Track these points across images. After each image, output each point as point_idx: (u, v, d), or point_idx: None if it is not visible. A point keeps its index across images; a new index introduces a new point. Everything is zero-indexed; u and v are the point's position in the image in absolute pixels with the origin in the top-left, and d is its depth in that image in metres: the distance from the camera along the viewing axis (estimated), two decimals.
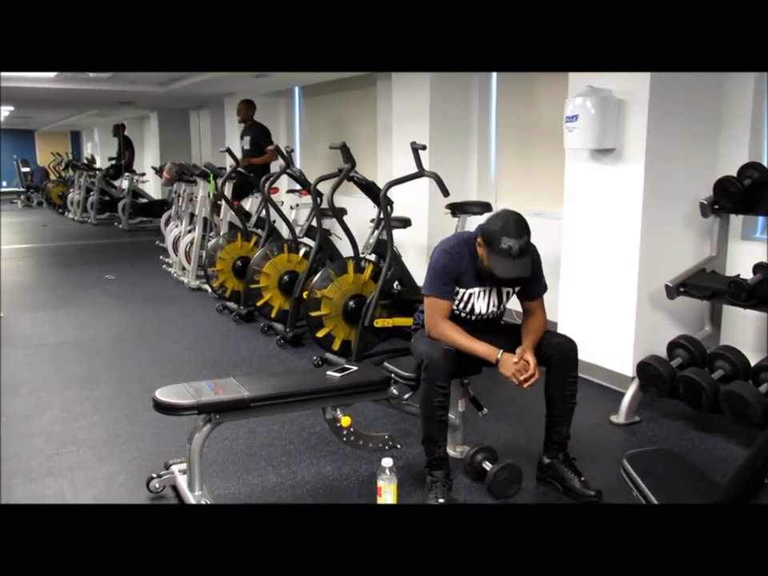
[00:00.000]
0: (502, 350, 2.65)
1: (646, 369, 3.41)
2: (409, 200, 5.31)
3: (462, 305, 2.81)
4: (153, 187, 13.66)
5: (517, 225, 2.61)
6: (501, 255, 2.59)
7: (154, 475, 2.81)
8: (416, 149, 4.01)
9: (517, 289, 2.86)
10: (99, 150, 17.79)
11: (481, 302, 2.81)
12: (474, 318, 2.85)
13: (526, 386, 2.60)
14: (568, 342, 2.78)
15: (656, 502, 1.88)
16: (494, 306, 2.84)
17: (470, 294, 2.79)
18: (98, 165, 14.90)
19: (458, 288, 2.77)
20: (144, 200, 12.49)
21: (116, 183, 13.07)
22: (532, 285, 2.84)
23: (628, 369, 3.85)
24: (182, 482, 2.72)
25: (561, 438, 2.82)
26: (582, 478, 2.77)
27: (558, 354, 2.73)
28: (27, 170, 20.04)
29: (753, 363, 3.22)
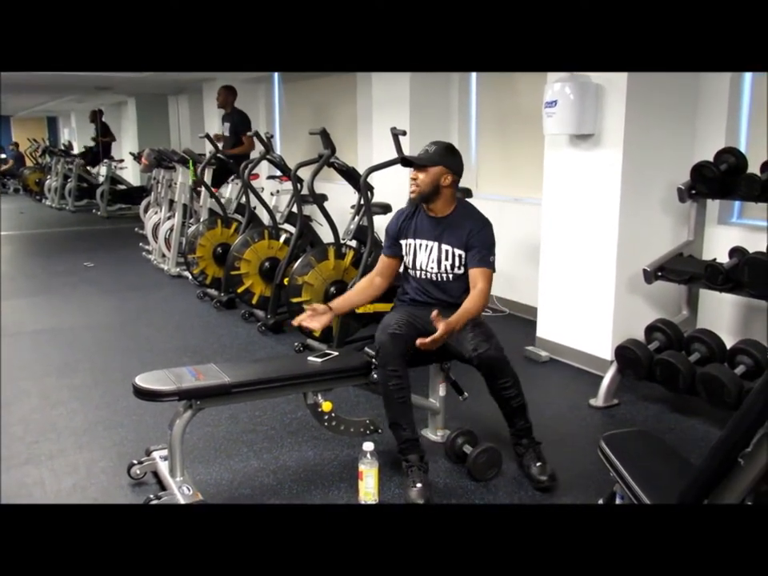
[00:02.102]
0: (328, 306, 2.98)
1: (624, 352, 3.45)
2: (389, 186, 5.30)
3: (408, 258, 3.00)
4: (131, 174, 13.53)
5: (430, 143, 2.94)
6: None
7: (135, 461, 2.81)
8: (396, 134, 4.01)
9: (458, 252, 2.88)
10: (76, 136, 17.56)
11: (422, 255, 2.95)
12: (417, 274, 2.98)
13: (419, 343, 2.57)
14: (490, 350, 2.67)
15: (632, 482, 1.91)
16: (432, 263, 2.93)
17: (410, 245, 2.98)
18: (75, 151, 14.72)
19: (401, 241, 3.01)
20: (123, 187, 12.37)
21: (94, 170, 12.93)
22: (475, 251, 2.86)
23: (606, 352, 3.90)
24: (163, 467, 2.72)
25: (517, 431, 2.84)
26: (538, 464, 2.77)
27: (481, 365, 2.69)
28: (3, 156, 19.74)
29: (728, 346, 3.27)
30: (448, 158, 2.90)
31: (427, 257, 2.93)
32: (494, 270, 2.89)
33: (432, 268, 2.93)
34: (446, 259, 2.91)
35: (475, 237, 2.87)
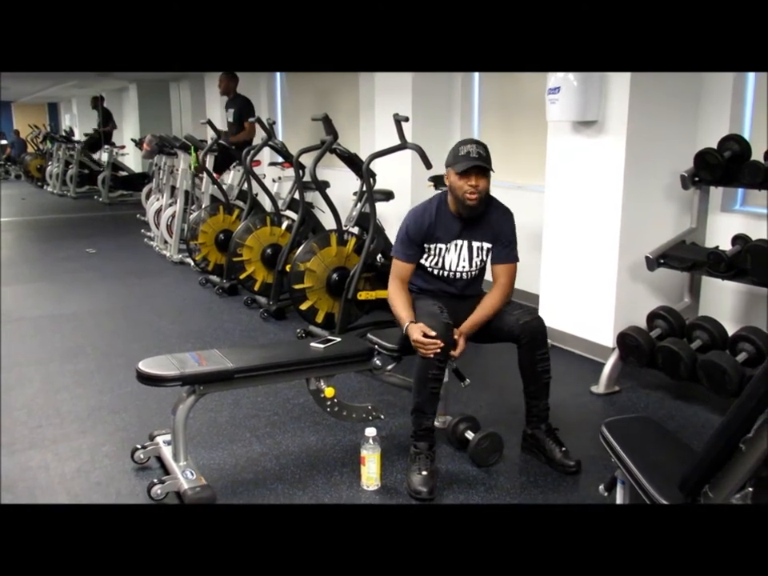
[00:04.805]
0: (412, 321, 2.72)
1: (626, 339, 3.45)
2: (391, 172, 5.30)
3: (434, 260, 2.92)
4: (132, 160, 13.50)
5: (471, 139, 2.87)
6: (461, 159, 2.75)
7: (139, 446, 2.83)
8: (399, 121, 4.00)
9: (487, 246, 2.90)
10: (78, 122, 17.52)
11: (452, 255, 2.90)
12: (445, 273, 2.93)
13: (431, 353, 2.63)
14: (535, 320, 2.78)
15: (633, 468, 1.92)
16: (464, 261, 2.91)
17: (440, 249, 2.90)
18: (76, 137, 14.69)
19: (428, 245, 2.90)
20: (124, 173, 12.36)
21: (95, 156, 12.91)
22: (501, 245, 2.90)
23: (608, 340, 3.90)
24: (167, 452, 2.73)
25: (539, 411, 2.86)
26: (563, 449, 2.81)
27: (525, 333, 2.75)
28: (4, 142, 19.70)
29: (730, 333, 3.27)
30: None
31: (457, 256, 2.90)
32: (517, 260, 2.97)
33: (464, 267, 2.92)
34: (477, 256, 2.92)
35: (503, 234, 2.90)
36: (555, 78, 3.78)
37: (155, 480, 2.55)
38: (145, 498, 2.54)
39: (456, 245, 2.89)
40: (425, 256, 2.92)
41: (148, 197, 8.38)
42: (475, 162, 2.73)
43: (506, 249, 2.91)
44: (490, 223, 2.90)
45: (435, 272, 2.94)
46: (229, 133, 7.06)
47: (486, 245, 2.91)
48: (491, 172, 2.79)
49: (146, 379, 2.58)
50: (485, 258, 2.94)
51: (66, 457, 2.91)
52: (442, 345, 2.61)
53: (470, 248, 2.90)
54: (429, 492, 2.58)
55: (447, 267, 2.92)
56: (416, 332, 2.65)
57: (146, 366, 2.60)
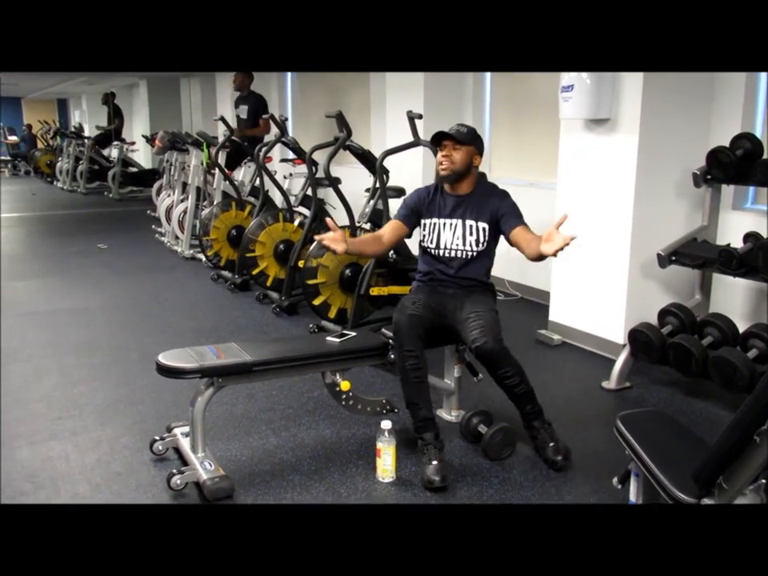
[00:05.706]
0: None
1: (637, 336, 3.48)
2: (403, 169, 5.32)
3: (430, 238, 3.01)
4: (143, 156, 13.56)
5: (457, 123, 3.00)
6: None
7: (157, 438, 2.87)
8: (412, 118, 4.03)
9: (482, 226, 2.95)
10: (87, 119, 17.59)
11: (446, 234, 2.99)
12: (440, 252, 3.00)
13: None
14: (486, 344, 2.66)
15: (648, 460, 1.96)
16: (458, 240, 2.97)
17: (434, 224, 3.01)
18: (86, 133, 14.75)
19: (424, 220, 3.03)
20: (134, 169, 12.42)
21: (105, 152, 12.97)
22: (507, 215, 2.94)
23: (619, 336, 3.93)
24: (185, 444, 2.78)
25: (527, 414, 2.86)
26: (552, 444, 2.81)
27: (478, 356, 2.73)
28: (14, 138, 19.78)
29: (741, 330, 3.30)
30: (478, 140, 2.99)
31: (452, 235, 2.98)
32: None
33: (457, 245, 2.98)
34: (471, 234, 2.97)
35: (503, 208, 2.95)
36: (569, 77, 3.80)
37: (174, 471, 2.59)
38: (164, 488, 2.58)
39: (451, 224, 2.98)
40: (423, 235, 3.03)
41: (158, 193, 8.43)
42: (443, 131, 2.92)
43: (513, 217, 2.93)
44: (485, 203, 2.97)
45: (432, 252, 3.02)
46: (240, 129, 7.10)
47: (481, 224, 2.95)
48: (471, 148, 2.93)
49: (166, 371, 2.62)
50: (480, 239, 2.96)
51: (86, 448, 2.96)
52: (331, 236, 2.73)
53: (464, 226, 2.97)
54: (441, 480, 2.62)
55: (442, 246, 2.99)
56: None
57: (166, 358, 2.64)
